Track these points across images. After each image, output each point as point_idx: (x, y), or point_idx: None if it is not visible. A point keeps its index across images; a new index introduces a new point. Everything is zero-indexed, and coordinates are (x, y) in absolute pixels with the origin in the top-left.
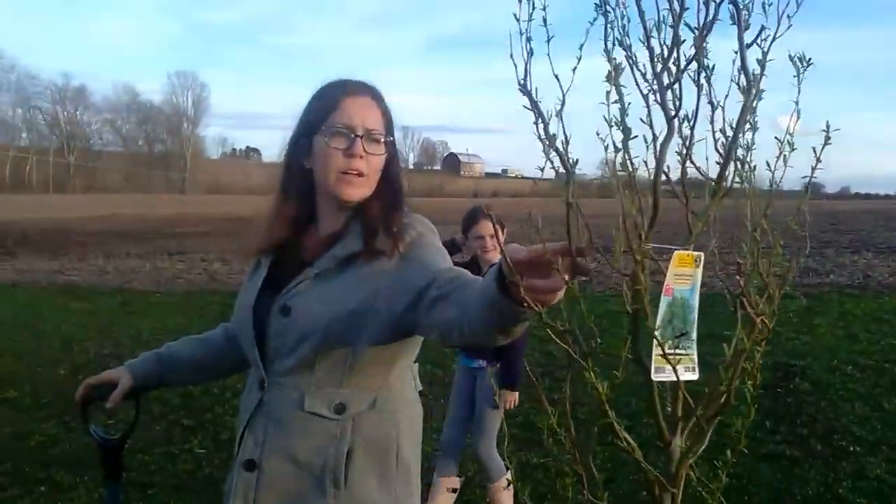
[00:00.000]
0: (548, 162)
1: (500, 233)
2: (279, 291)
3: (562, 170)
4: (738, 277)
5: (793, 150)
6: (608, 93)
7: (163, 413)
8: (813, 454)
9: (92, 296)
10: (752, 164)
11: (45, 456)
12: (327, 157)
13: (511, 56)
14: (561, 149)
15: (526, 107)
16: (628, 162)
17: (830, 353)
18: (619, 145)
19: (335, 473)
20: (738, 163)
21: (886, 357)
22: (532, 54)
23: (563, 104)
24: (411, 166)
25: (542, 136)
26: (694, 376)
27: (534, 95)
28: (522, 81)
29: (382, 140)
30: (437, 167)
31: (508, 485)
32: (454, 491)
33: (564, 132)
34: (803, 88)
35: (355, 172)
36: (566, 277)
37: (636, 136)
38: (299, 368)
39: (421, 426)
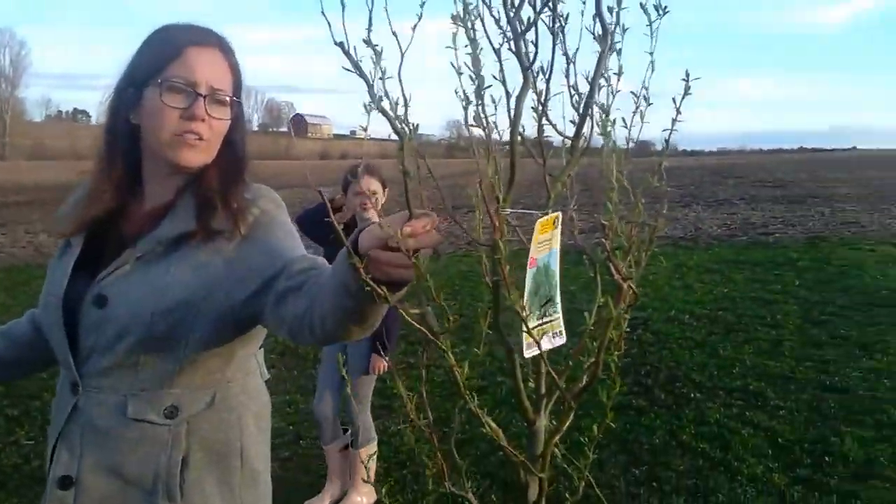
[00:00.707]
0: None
1: (381, 192)
2: (94, 276)
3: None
4: (604, 241)
5: (649, 104)
6: (454, 35)
7: None
8: (657, 403)
9: None
10: (612, 119)
11: None
12: (161, 114)
13: (322, 12)
14: (391, 112)
15: (347, 68)
16: (482, 116)
17: (668, 304)
18: (472, 97)
19: (168, 485)
20: (594, 120)
21: (719, 305)
22: (344, 8)
23: (400, 63)
24: (256, 128)
25: (369, 101)
26: (562, 340)
27: (353, 55)
28: (340, 41)
29: (229, 102)
30: (283, 129)
31: (372, 455)
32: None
33: (403, 93)
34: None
35: (195, 136)
36: (410, 252)
37: (490, 86)
38: (119, 369)
39: (269, 420)
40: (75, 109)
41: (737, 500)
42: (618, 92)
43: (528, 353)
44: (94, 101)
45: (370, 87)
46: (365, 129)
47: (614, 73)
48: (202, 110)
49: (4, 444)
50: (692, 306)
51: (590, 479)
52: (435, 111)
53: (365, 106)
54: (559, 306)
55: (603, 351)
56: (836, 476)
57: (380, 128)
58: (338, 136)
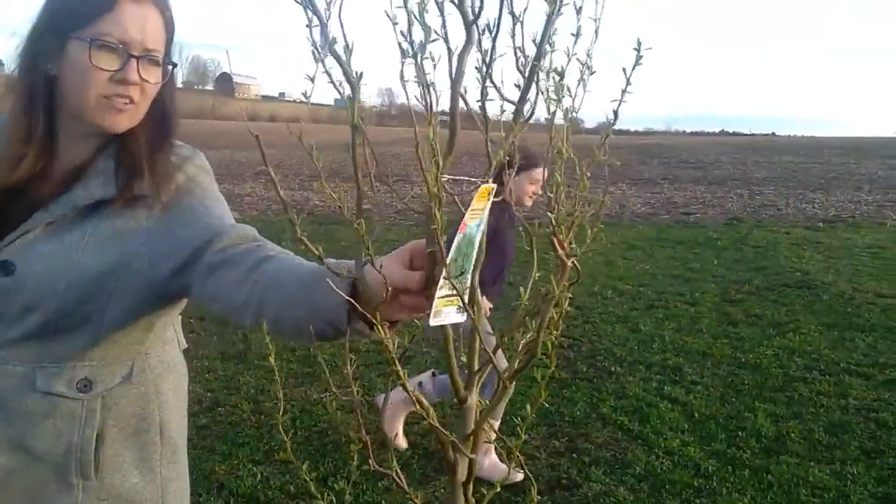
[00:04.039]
0: (324, 75)
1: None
2: (1, 237)
3: (344, 86)
4: (549, 214)
5: (592, 73)
6: None
7: None
8: (579, 376)
9: None
10: (561, 84)
11: None
12: (88, 75)
13: None
14: (343, 57)
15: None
16: (422, 70)
17: (592, 279)
18: (416, 49)
19: (82, 462)
20: (539, 85)
21: (641, 282)
22: None
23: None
24: (180, 85)
25: (317, 43)
26: (461, 318)
27: None
28: None
29: (161, 63)
30: (210, 87)
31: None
32: None
33: (345, 39)
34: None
35: (125, 100)
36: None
37: (436, 40)
38: (27, 340)
39: (186, 392)
40: None
41: (654, 472)
42: (574, 55)
43: (434, 321)
44: (9, 50)
45: (324, 25)
46: (312, 80)
47: (573, 35)
48: (135, 73)
49: None
50: (615, 282)
51: (520, 460)
52: (366, 78)
53: (315, 50)
54: (468, 282)
55: (542, 330)
56: (748, 451)
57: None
58: (265, 98)
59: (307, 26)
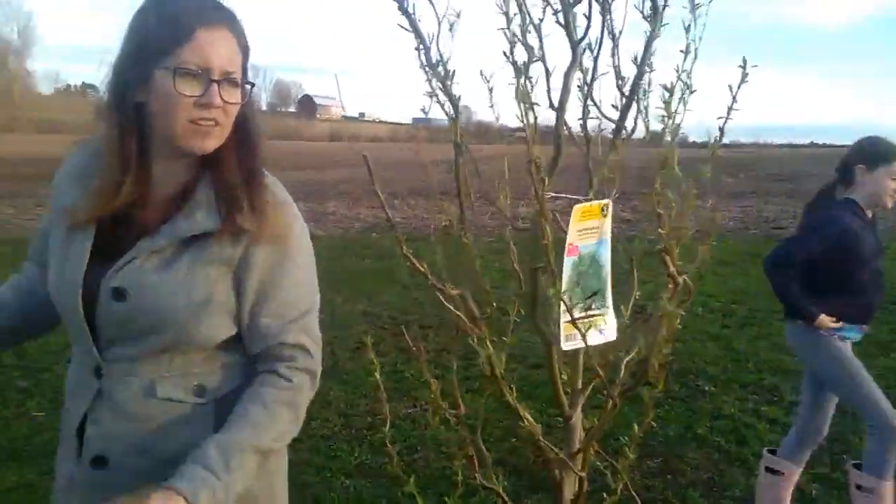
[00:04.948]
0: (432, 98)
1: None
2: (105, 259)
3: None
4: (660, 231)
5: (692, 92)
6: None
7: None
8: (671, 395)
9: None
10: (672, 102)
11: None
12: (173, 102)
13: None
14: (444, 81)
15: (403, 27)
16: (527, 90)
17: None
18: (521, 68)
19: None
20: (640, 104)
21: (733, 298)
22: None
23: (451, 26)
24: (264, 107)
25: (425, 64)
26: (610, 336)
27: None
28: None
29: (240, 83)
30: (292, 109)
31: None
32: None
33: (441, 58)
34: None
35: (210, 122)
36: None
37: (538, 60)
38: (146, 357)
39: None
40: (83, 83)
41: (754, 495)
42: (685, 72)
43: (568, 345)
44: (102, 76)
45: (427, 49)
46: (430, 97)
47: (681, 52)
48: (217, 97)
49: (16, 415)
50: (706, 298)
51: (628, 482)
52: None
53: (424, 69)
54: (609, 300)
55: (654, 350)
56: None
57: (386, 111)
58: (346, 119)
59: (416, 49)
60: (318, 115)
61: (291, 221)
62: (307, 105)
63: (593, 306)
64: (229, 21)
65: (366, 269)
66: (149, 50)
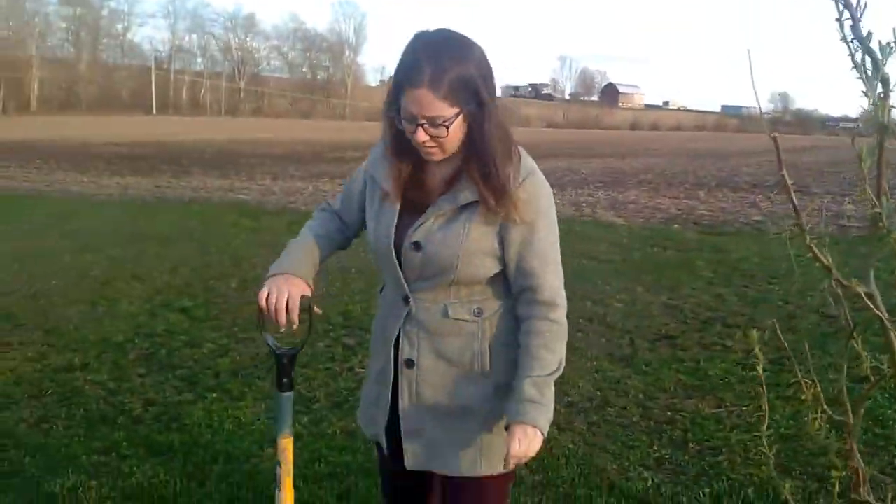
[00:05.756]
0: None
1: None
2: (405, 222)
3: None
4: None
5: None
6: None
7: (325, 331)
8: None
9: (259, 214)
10: None
11: (215, 364)
12: (407, 131)
13: None
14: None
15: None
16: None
17: None
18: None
19: (482, 363)
20: None
21: None
22: None
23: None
24: (567, 97)
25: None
26: None
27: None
28: None
29: (446, 123)
30: (595, 98)
31: None
32: None
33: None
34: None
35: (428, 147)
36: None
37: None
38: (439, 288)
39: None
40: None
41: None
42: None
43: None
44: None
45: (856, 21)
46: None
47: None
48: (422, 135)
49: (342, 369)
50: None
51: None
52: (761, 83)
53: (848, 45)
54: None
55: None
56: None
57: (691, 99)
58: (648, 107)
59: (837, 20)
60: (619, 104)
61: (538, 190)
62: (610, 93)
63: None
64: (428, 78)
65: (668, 260)
66: (393, 90)
